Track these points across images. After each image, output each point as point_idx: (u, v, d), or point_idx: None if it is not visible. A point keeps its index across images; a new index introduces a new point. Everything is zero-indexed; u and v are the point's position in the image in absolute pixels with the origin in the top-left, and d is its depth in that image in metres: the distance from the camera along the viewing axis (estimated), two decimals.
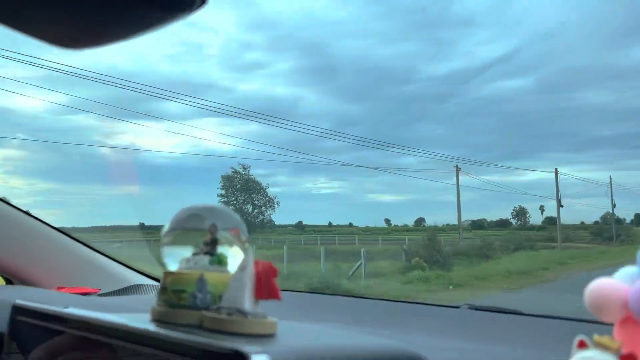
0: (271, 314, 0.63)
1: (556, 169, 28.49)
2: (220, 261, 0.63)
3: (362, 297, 1.53)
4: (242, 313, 0.55)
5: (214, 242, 0.65)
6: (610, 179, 37.05)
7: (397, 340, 0.79)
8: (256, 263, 0.59)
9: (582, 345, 0.57)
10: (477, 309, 1.28)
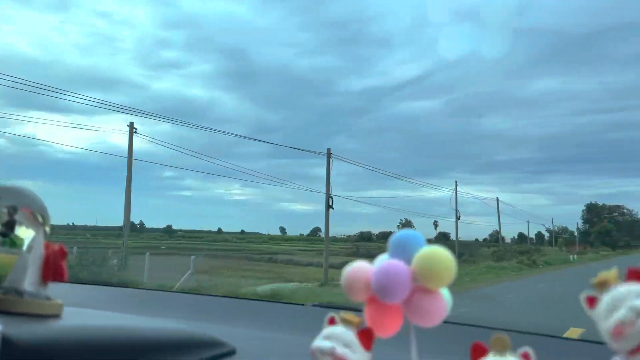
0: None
1: (331, 157, 20.08)
2: (13, 242, 0.63)
3: (205, 295, 1.60)
4: (19, 293, 0.55)
5: (10, 224, 0.64)
6: (456, 184, 34.37)
7: (218, 332, 0.86)
8: (46, 245, 0.60)
9: (331, 322, 0.64)
10: (322, 306, 1.36)
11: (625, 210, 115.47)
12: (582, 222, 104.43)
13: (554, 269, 26.03)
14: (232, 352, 0.86)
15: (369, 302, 0.69)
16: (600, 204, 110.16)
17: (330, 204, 18.82)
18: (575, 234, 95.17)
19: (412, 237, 0.68)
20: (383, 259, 0.69)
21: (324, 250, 20.11)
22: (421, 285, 0.66)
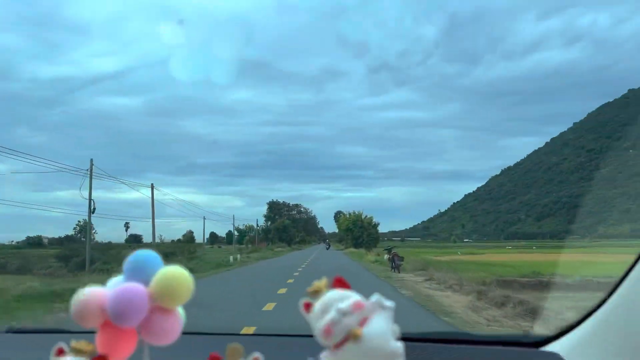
0: None
1: None
2: None
3: None
4: None
5: None
6: (91, 170, 26.06)
7: None
8: None
9: (60, 352, 0.65)
10: (18, 331, 1.47)
11: (302, 209, 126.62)
12: (265, 220, 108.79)
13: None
14: None
15: (102, 327, 0.69)
16: (281, 201, 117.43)
17: None
18: (260, 231, 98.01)
19: (150, 258, 0.70)
20: (118, 282, 0.70)
21: None
22: (158, 305, 0.69)
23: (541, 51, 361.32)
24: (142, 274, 0.69)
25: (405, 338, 0.84)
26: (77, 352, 0.66)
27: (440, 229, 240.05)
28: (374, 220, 66.40)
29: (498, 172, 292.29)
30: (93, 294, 0.69)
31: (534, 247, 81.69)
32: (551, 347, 1.17)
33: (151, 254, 0.71)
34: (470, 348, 1.21)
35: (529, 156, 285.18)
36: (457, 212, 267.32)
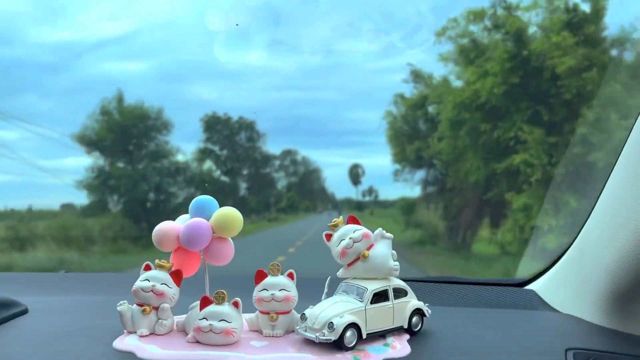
0: None
1: None
2: None
3: None
4: None
5: None
6: None
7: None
8: None
9: (147, 267, 0.93)
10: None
11: (297, 157, 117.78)
12: (200, 154, 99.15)
13: None
14: (24, 312, 1.10)
15: (176, 251, 0.95)
16: (235, 118, 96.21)
17: None
18: None
19: (209, 200, 0.96)
20: (186, 218, 0.97)
21: None
22: (217, 236, 0.95)
23: None
24: (204, 212, 0.94)
25: (412, 280, 1.22)
26: (160, 267, 0.92)
27: None
28: None
29: None
30: (169, 226, 0.94)
31: None
32: (530, 287, 1.44)
33: (209, 198, 0.96)
34: (464, 287, 1.44)
35: None
36: None
